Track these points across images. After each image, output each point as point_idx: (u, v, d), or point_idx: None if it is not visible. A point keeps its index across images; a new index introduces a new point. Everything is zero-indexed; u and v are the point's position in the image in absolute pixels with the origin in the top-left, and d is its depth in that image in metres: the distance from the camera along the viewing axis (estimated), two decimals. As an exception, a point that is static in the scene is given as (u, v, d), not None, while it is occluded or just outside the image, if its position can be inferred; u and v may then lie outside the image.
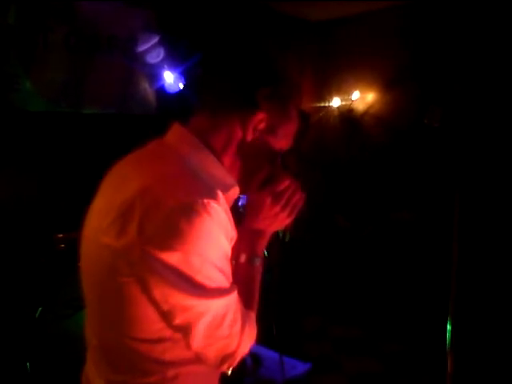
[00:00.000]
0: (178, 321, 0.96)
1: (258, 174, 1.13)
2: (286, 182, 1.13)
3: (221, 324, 0.99)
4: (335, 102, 5.03)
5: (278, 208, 1.12)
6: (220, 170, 1.08)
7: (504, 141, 3.41)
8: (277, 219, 1.14)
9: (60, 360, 2.51)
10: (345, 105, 5.00)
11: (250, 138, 1.07)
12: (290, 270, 4.05)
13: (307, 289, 4.37)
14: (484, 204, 3.39)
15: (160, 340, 1.00)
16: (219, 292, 0.97)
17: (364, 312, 4.20)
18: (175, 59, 4.02)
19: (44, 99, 3.57)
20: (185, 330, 0.97)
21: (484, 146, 3.38)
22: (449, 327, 1.76)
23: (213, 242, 0.94)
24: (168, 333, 0.99)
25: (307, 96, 5.18)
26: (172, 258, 0.89)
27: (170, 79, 3.97)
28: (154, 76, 4.03)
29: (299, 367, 3.09)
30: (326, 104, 5.11)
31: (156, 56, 3.90)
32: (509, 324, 3.15)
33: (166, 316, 0.96)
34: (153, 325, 0.98)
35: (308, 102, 5.16)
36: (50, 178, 3.46)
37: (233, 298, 1.01)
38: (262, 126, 1.07)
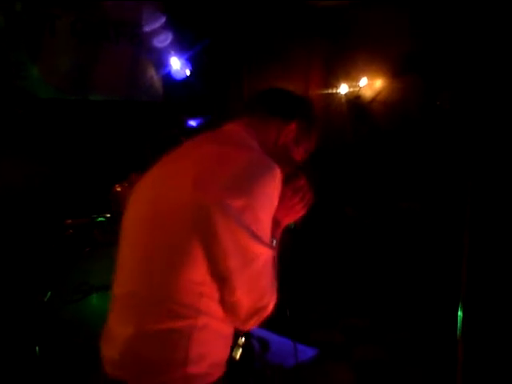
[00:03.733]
0: (231, 262, 1.10)
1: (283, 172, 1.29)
2: (303, 181, 1.40)
3: (264, 273, 1.15)
4: (343, 89, 4.99)
5: (295, 200, 1.37)
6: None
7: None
8: (293, 210, 1.37)
9: (69, 344, 2.53)
10: (352, 91, 4.96)
11: (281, 141, 1.36)
12: (299, 259, 4.05)
13: (316, 277, 4.38)
14: (496, 190, 3.37)
15: (203, 284, 1.12)
16: (267, 244, 1.15)
17: (373, 300, 4.20)
18: (182, 46, 4.00)
19: (51, 86, 3.58)
20: (233, 273, 1.11)
21: (496, 131, 3.34)
22: (460, 314, 1.75)
23: (272, 201, 1.16)
24: (210, 278, 1.12)
25: (315, 82, 5.14)
26: (240, 202, 1.08)
27: (177, 65, 3.96)
28: (161, 63, 4.01)
29: (306, 352, 3.11)
30: (334, 91, 5.07)
31: (163, 42, 3.88)
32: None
33: (222, 256, 1.10)
34: (203, 267, 1.11)
35: (316, 88, 5.12)
36: (58, 164, 3.47)
37: (272, 254, 1.18)
38: (291, 135, 1.36)
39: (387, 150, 4.65)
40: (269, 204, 1.15)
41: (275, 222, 1.27)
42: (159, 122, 3.80)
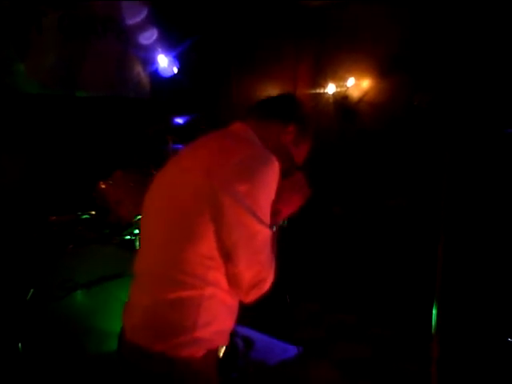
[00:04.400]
0: (235, 237, 1.28)
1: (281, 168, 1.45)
2: (300, 175, 1.60)
3: (263, 249, 1.33)
4: (330, 89, 5.02)
5: (293, 192, 1.56)
6: None
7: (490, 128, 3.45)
8: (291, 201, 1.56)
9: (52, 341, 2.54)
10: (340, 91, 4.99)
11: (281, 140, 1.54)
12: (285, 256, 4.07)
13: (301, 275, 4.40)
14: (470, 189, 3.43)
15: (211, 258, 1.30)
16: (266, 225, 1.32)
17: (356, 298, 4.25)
18: (170, 43, 4.01)
19: (38, 82, 3.57)
20: (236, 248, 1.29)
21: (471, 130, 3.40)
22: (434, 312, 1.79)
23: (271, 189, 1.34)
24: (217, 253, 1.29)
25: (303, 81, 5.17)
26: (244, 186, 1.27)
27: (165, 63, 3.96)
28: (149, 60, 4.02)
29: (290, 350, 3.14)
30: (322, 90, 5.10)
31: (150, 39, 3.89)
32: (494, 308, 3.19)
33: (227, 232, 1.27)
34: (211, 242, 1.28)
35: (304, 87, 5.15)
36: (44, 160, 3.46)
37: (270, 235, 1.35)
38: (290, 136, 1.55)
39: (374, 149, 4.69)
40: (268, 191, 1.34)
41: (275, 211, 1.46)
42: (146, 119, 3.81)
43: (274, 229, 1.48)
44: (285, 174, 1.47)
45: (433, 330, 1.80)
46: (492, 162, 3.54)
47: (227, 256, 1.30)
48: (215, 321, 1.35)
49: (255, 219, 1.29)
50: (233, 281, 1.33)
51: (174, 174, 1.46)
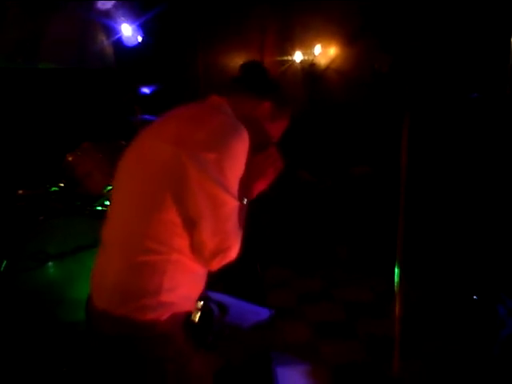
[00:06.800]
0: (199, 206, 1.28)
1: (254, 141, 1.44)
2: (273, 149, 1.58)
3: (229, 219, 1.32)
4: (297, 57, 5.02)
5: (265, 165, 1.55)
6: None
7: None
8: (263, 175, 1.55)
9: (25, 312, 2.55)
10: (307, 59, 5.00)
11: (256, 115, 1.53)
12: (255, 222, 4.12)
13: (271, 241, 4.47)
14: (434, 153, 3.51)
15: (177, 224, 1.31)
16: (233, 195, 1.32)
17: (326, 261, 4.36)
18: (134, 12, 3.93)
19: (0, 56, 3.49)
20: (201, 215, 1.29)
21: (436, 95, 3.47)
22: (397, 271, 1.86)
23: (239, 159, 1.34)
24: (182, 220, 1.31)
25: (270, 50, 5.14)
26: (211, 155, 1.28)
27: (128, 32, 3.89)
28: (112, 29, 3.94)
29: (262, 313, 3.21)
30: (289, 58, 5.10)
31: (113, 7, 3.80)
32: (454, 266, 3.32)
33: (193, 201, 1.28)
34: (176, 208, 1.29)
35: (271, 56, 5.13)
36: (10, 133, 3.40)
37: (238, 205, 1.36)
38: (265, 111, 1.54)
39: (341, 116, 4.75)
40: (236, 161, 1.33)
41: (247, 184, 1.47)
42: (111, 89, 3.75)
43: (245, 202, 1.49)
44: (259, 149, 1.49)
45: (395, 290, 1.87)
46: (457, 126, 3.64)
47: (192, 224, 1.30)
48: (180, 286, 1.37)
49: (221, 189, 1.29)
50: (196, 248, 1.33)
51: (143, 143, 1.47)
